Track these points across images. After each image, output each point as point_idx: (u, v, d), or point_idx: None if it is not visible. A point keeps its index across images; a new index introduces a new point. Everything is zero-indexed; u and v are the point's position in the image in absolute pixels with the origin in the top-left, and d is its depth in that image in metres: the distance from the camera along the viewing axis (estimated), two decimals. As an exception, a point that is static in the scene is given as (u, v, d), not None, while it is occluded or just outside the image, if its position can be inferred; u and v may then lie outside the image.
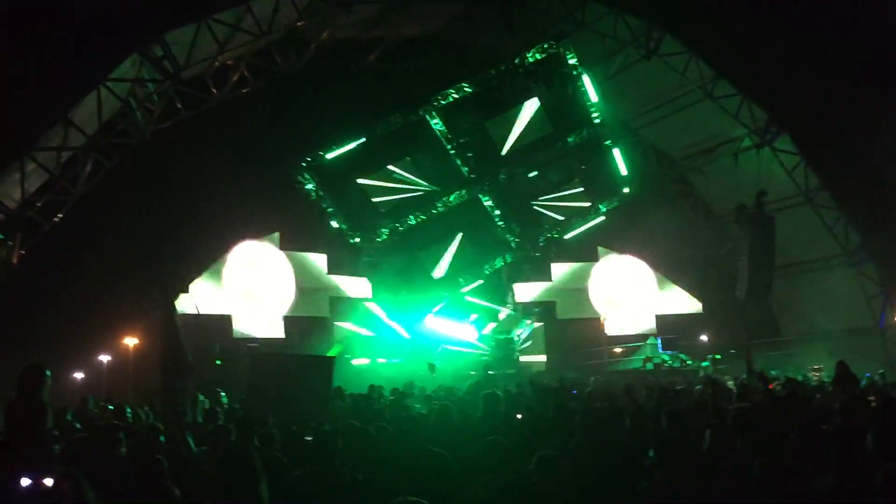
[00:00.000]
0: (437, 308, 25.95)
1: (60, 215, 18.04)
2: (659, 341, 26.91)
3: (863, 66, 21.65)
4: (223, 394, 16.41)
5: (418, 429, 6.63)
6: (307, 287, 24.78)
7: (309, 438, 6.97)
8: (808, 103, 23.17)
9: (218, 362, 12.03)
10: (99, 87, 16.98)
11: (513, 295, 26.64)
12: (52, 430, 8.86)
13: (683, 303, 27.36)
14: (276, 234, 24.47)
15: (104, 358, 27.24)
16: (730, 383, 16.41)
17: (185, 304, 20.53)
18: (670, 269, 28.73)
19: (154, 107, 18.97)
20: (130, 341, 27.23)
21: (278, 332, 23.91)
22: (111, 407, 13.23)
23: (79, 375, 26.82)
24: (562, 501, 4.79)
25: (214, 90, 19.89)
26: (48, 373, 6.42)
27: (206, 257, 23.20)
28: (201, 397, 15.93)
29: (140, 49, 17.29)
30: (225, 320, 21.55)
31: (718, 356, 23.89)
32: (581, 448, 6.03)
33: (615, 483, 5.32)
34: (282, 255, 24.55)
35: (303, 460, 5.52)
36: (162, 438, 7.40)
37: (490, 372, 19.09)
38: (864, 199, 24.32)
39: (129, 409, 11.49)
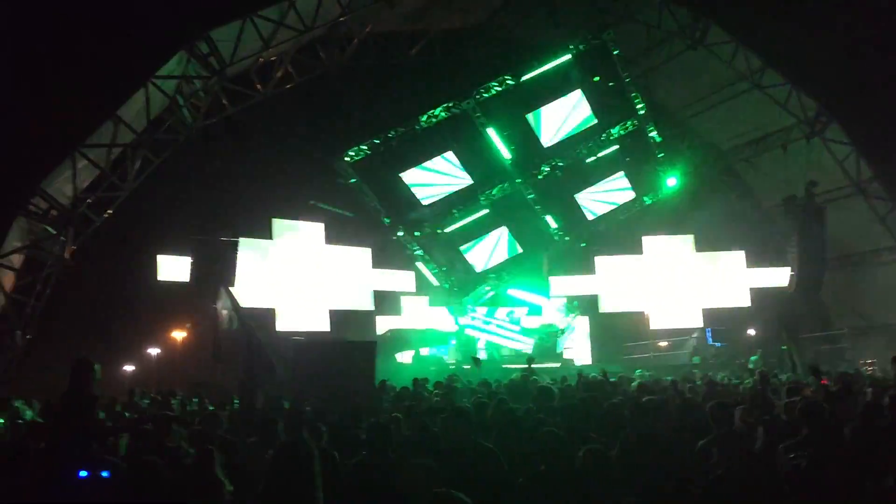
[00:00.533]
0: (481, 301, 25.98)
1: (111, 211, 18.39)
2: (709, 332, 26.56)
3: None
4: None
5: (465, 423, 6.63)
6: (352, 280, 24.93)
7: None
8: (859, 92, 22.65)
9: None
10: (147, 85, 17.28)
11: (557, 288, 26.47)
12: (105, 421, 9.07)
13: (731, 296, 26.88)
14: (321, 228, 24.63)
15: (153, 351, 27.84)
16: (783, 377, 16.09)
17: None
18: (718, 262, 28.25)
19: (200, 103, 19.22)
20: (179, 335, 27.80)
21: (323, 325, 24.08)
22: (159, 398, 13.48)
23: (129, 368, 27.44)
24: (610, 492, 4.76)
25: (259, 86, 20.08)
26: (97, 366, 6.54)
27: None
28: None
29: (186, 46, 17.56)
30: (269, 314, 21.76)
31: (784, 347, 23.42)
32: (629, 440, 5.99)
33: (663, 474, 5.28)
34: (327, 248, 24.72)
35: (355, 450, 5.55)
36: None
37: (534, 365, 18.98)
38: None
39: (175, 401, 11.69)
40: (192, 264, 22.31)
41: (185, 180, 22.07)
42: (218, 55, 18.13)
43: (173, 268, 22.06)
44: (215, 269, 22.06)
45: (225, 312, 10.23)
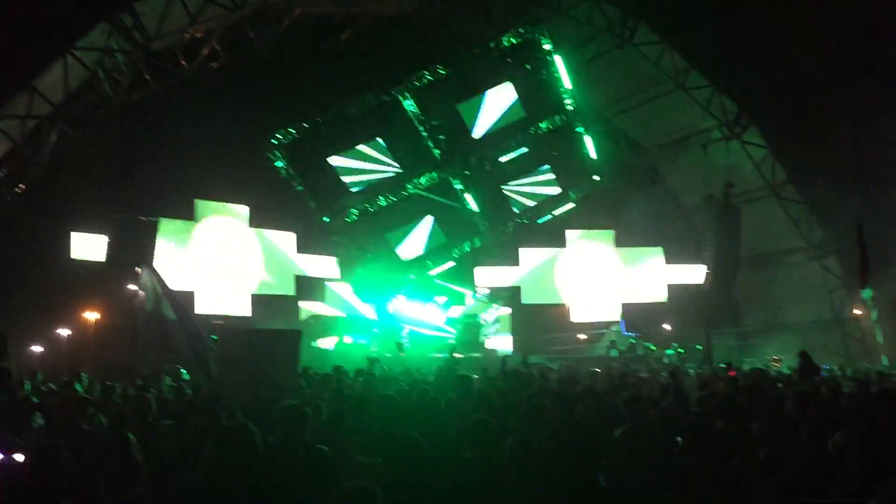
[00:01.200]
0: (404, 290, 25.96)
1: (23, 185, 17.65)
2: (622, 323, 27.19)
3: (832, 63, 21.92)
4: (184, 371, 16.25)
5: (388, 410, 6.61)
6: (275, 265, 24.59)
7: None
8: (777, 97, 23.45)
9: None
10: (66, 56, 16.61)
11: (480, 279, 26.68)
12: (28, 399, 8.77)
13: (649, 292, 27.61)
14: (245, 210, 24.19)
15: (64, 332, 26.86)
16: (691, 371, 16.61)
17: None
18: (637, 258, 28.93)
19: (122, 77, 18.57)
20: (91, 315, 26.87)
21: (244, 309, 23.70)
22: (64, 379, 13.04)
23: (37, 349, 26.41)
24: (533, 481, 4.82)
25: (184, 63, 19.52)
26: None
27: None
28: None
29: (109, 18, 16.93)
30: (187, 297, 21.27)
31: (682, 350, 24.19)
32: (551, 430, 6.07)
33: (582, 463, 5.37)
34: (250, 231, 24.30)
35: (270, 431, 5.48)
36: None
37: (456, 355, 19.10)
38: (828, 194, 24.67)
39: (79, 386, 11.29)
40: (109, 243, 21.63)
41: (104, 157, 21.28)
42: (142, 29, 17.54)
43: (88, 246, 21.35)
44: (133, 249, 21.42)
45: (144, 293, 9.91)
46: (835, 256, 26.08)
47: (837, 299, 26.32)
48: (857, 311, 25.45)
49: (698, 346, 24.09)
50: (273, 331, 11.65)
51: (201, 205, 23.44)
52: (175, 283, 20.42)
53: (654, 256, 27.89)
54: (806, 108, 22.62)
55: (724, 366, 15.59)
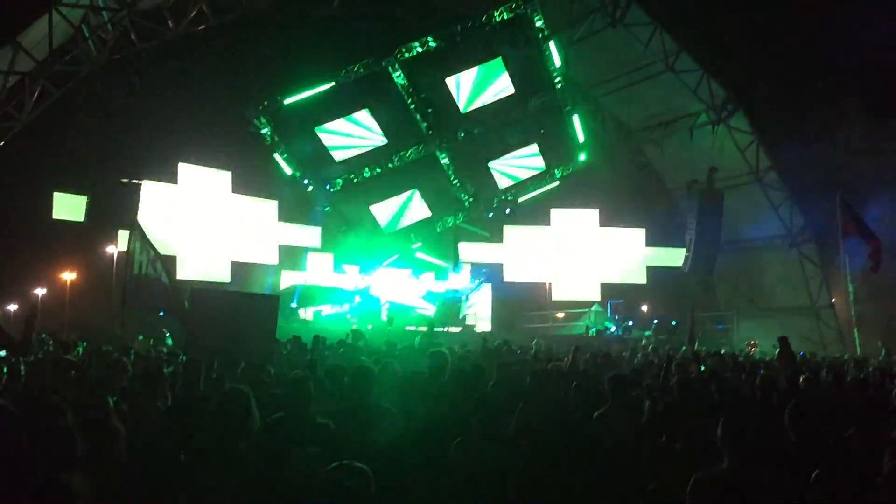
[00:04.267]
0: (386, 262, 25.91)
1: (3, 142, 17.35)
2: (609, 305, 27.39)
3: (821, 56, 22.03)
4: (168, 334, 16.18)
5: (366, 382, 6.58)
6: (256, 233, 24.45)
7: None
8: (765, 85, 23.53)
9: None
10: (51, 11, 16.27)
11: (464, 255, 26.72)
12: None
13: (629, 273, 27.79)
14: (228, 176, 24.00)
15: (39, 291, 26.60)
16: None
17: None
18: (620, 239, 29.08)
19: (107, 36, 18.23)
20: (68, 276, 26.62)
21: (224, 276, 23.58)
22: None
23: (11, 308, 26.17)
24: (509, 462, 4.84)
25: (171, 23, 19.18)
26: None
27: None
28: (140, 337, 15.72)
29: (96, -26, 16.61)
30: (169, 261, 21.11)
31: (674, 322, 24.43)
32: (529, 407, 6.08)
33: (563, 440, 5.41)
34: (233, 198, 24.13)
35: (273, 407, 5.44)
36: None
37: (435, 329, 19.12)
38: (810, 182, 24.85)
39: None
40: (89, 204, 21.41)
41: (87, 116, 20.97)
42: (130, -13, 17.23)
43: (68, 206, 21.11)
44: (114, 210, 21.23)
45: (132, 255, 9.80)
46: (813, 244, 26.34)
47: (815, 287, 26.62)
48: (833, 300, 25.76)
49: (673, 322, 24.40)
50: (251, 294, 11.59)
51: (184, 168, 23.22)
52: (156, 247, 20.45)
53: (636, 238, 28.04)
54: (791, 96, 22.74)
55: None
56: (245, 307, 9.94)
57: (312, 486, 3.56)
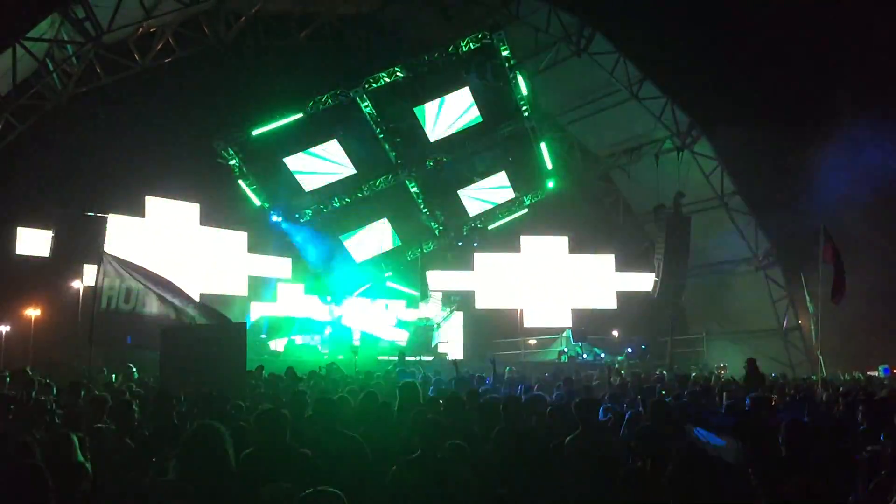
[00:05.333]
0: (357, 292, 25.83)
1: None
2: (570, 332, 27.42)
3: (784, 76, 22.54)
4: (134, 369, 15.91)
5: (338, 413, 6.55)
6: (226, 264, 24.27)
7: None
8: (727, 111, 23.96)
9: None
10: (14, 46, 16.17)
11: (434, 283, 26.72)
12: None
13: (599, 299, 27.97)
14: (196, 209, 23.83)
15: (2, 328, 26.09)
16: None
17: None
18: (589, 265, 29.27)
19: (72, 70, 18.16)
20: (33, 312, 26.15)
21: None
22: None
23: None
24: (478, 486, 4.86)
25: (137, 56, 19.15)
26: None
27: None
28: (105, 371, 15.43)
29: (60, 8, 16.53)
30: (146, 293, 20.84)
31: (644, 346, 24.61)
32: (502, 435, 6.09)
33: (533, 468, 5.43)
34: (201, 230, 23.95)
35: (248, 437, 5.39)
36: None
37: (407, 358, 19.06)
38: (775, 206, 25.26)
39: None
40: (54, 238, 21.11)
41: (52, 150, 20.75)
42: (95, 20, 17.16)
43: (33, 241, 20.80)
44: (79, 245, 20.95)
45: (99, 291, 9.66)
46: (779, 267, 26.69)
47: (781, 309, 26.95)
48: (800, 321, 26.06)
49: (643, 346, 24.56)
50: (216, 325, 11.43)
51: (151, 201, 23.02)
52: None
53: (605, 264, 28.27)
54: (753, 122, 23.15)
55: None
56: (213, 338, 9.85)
57: None
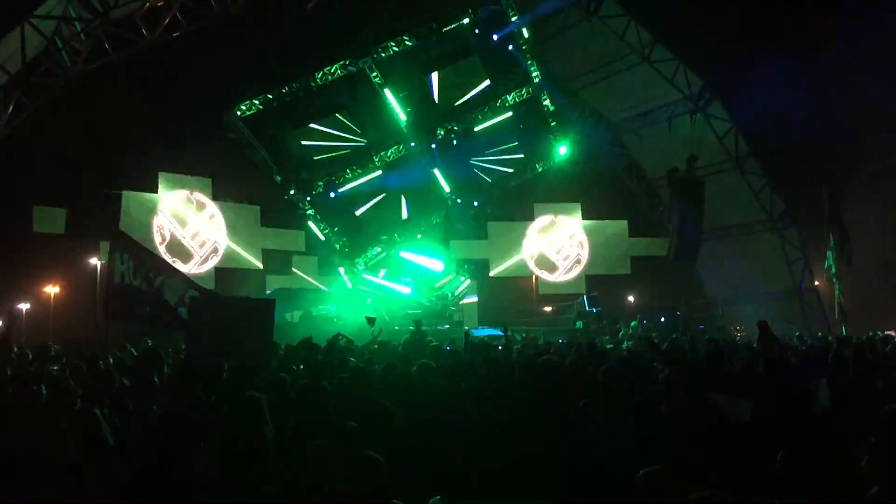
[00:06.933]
0: (373, 262, 25.89)
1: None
2: (585, 298, 27.40)
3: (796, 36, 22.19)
4: (150, 343, 16.07)
5: (365, 382, 6.60)
6: (240, 238, 24.39)
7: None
8: (740, 72, 23.66)
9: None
10: (23, 24, 16.16)
11: (448, 251, 26.71)
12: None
13: (613, 264, 27.94)
14: (209, 183, 23.92)
15: (23, 306, 26.39)
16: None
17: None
18: (603, 230, 29.20)
19: (81, 46, 18.14)
20: (51, 290, 26.43)
21: (208, 283, 23.48)
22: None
23: (-2, 323, 25.94)
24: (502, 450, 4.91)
25: (145, 32, 19.08)
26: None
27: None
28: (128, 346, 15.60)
29: (67, -15, 16.51)
30: (163, 266, 20.99)
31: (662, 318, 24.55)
32: (522, 400, 6.12)
33: (555, 432, 5.45)
34: (214, 204, 24.06)
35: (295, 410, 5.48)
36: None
37: (423, 327, 19.13)
38: (790, 168, 25.07)
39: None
40: (69, 216, 21.26)
41: (64, 128, 20.82)
42: (102, -4, 17.13)
43: (48, 219, 20.96)
44: (94, 221, 21.09)
45: (112, 266, 9.73)
46: (795, 229, 26.53)
47: (797, 271, 26.83)
48: (816, 283, 25.97)
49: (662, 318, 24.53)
50: (246, 299, 11.50)
51: (165, 177, 23.13)
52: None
53: (619, 229, 28.18)
54: (767, 82, 22.87)
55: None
56: (242, 312, 9.91)
57: (328, 473, 3.69)
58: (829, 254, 20.91)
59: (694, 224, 25.32)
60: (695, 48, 24.34)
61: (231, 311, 9.53)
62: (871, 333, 16.51)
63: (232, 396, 5.81)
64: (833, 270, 21.11)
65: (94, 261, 23.57)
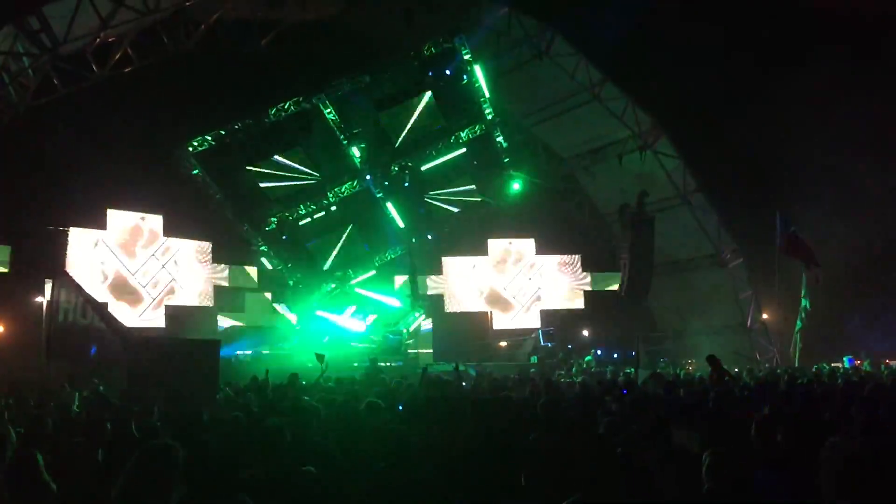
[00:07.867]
0: (326, 299, 25.67)
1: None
2: (540, 333, 27.53)
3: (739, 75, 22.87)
4: (100, 386, 15.67)
5: (311, 421, 6.52)
6: (191, 275, 24.02)
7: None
8: (687, 109, 24.27)
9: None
10: (-33, 59, 15.87)
11: (404, 287, 26.63)
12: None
13: (567, 299, 28.15)
14: (159, 220, 23.58)
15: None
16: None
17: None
18: (556, 266, 29.43)
19: (29, 82, 17.84)
20: (-5, 329, 25.68)
21: (158, 321, 23.06)
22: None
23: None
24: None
25: (95, 67, 18.84)
26: None
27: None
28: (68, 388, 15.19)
29: (14, 20, 16.22)
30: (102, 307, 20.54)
31: (615, 354, 24.71)
32: (473, 435, 6.10)
33: (502, 466, 5.43)
34: (164, 241, 23.70)
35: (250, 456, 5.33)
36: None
37: (378, 364, 18.98)
38: (738, 202, 25.63)
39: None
40: (13, 253, 20.76)
41: (10, 164, 20.39)
42: (50, 32, 16.84)
43: (-8, 257, 20.47)
44: (40, 259, 20.60)
45: (56, 304, 9.51)
46: (742, 263, 27.02)
47: (746, 305, 27.28)
48: (764, 316, 26.43)
49: (615, 355, 24.74)
50: (190, 340, 11.29)
51: (114, 214, 22.74)
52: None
53: (572, 264, 28.44)
54: (713, 119, 23.48)
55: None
56: (186, 354, 9.75)
57: None
58: (802, 300, 21.49)
59: (645, 259, 25.68)
60: (644, 86, 24.90)
61: (175, 351, 9.38)
62: (820, 365, 16.87)
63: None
64: (809, 308, 21.62)
65: (40, 299, 22.99)
